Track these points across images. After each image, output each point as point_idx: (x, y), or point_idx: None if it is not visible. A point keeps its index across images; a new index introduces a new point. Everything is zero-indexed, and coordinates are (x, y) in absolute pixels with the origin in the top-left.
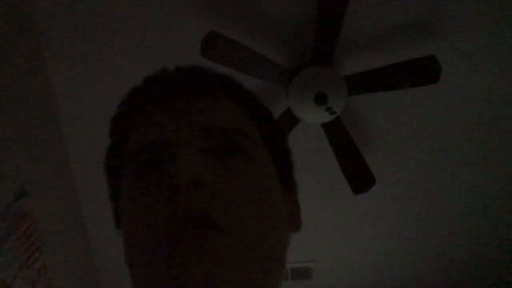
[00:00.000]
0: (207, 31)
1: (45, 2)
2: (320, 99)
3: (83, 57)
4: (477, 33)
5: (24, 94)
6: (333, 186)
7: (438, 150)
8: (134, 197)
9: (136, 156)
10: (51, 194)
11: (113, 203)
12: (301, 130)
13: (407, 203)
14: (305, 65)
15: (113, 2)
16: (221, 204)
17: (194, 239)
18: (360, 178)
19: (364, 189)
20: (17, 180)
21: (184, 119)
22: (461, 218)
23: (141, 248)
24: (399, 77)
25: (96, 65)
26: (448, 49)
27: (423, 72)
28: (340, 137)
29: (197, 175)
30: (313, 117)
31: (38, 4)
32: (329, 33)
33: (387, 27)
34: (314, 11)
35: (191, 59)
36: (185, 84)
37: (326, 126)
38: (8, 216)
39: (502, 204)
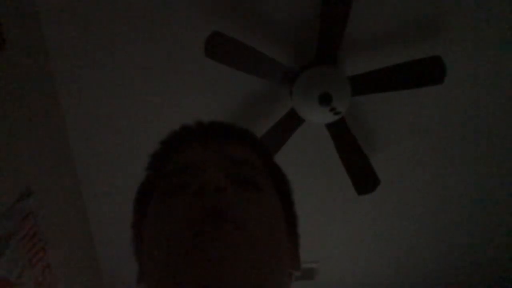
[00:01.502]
0: (211, 31)
1: (48, 2)
2: (325, 100)
3: (86, 57)
4: (481, 33)
5: (28, 94)
6: (337, 187)
7: (442, 150)
8: (165, 208)
9: (170, 176)
10: (55, 194)
11: (134, 231)
12: (305, 130)
13: (411, 203)
14: (309, 65)
15: (116, 3)
16: (239, 208)
17: (215, 230)
18: (364, 179)
19: (369, 190)
20: (21, 180)
21: (210, 151)
22: (466, 219)
23: (166, 242)
24: (404, 78)
25: (100, 65)
26: (453, 49)
27: (428, 72)
28: (344, 138)
29: (221, 183)
30: (317, 117)
31: (42, 2)
32: (334, 33)
33: (392, 27)
34: (318, 11)
35: (195, 60)
36: (214, 132)
37: (330, 127)
38: (12, 215)
39: (505, 204)
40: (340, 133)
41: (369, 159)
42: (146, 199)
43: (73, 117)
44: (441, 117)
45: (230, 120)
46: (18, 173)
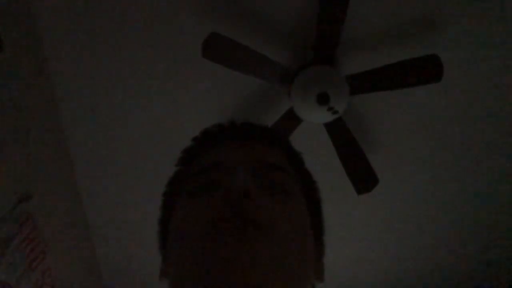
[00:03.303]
0: (208, 32)
1: (46, 2)
2: (322, 99)
3: (85, 59)
4: (479, 31)
5: (26, 97)
6: (336, 186)
7: (441, 149)
8: (192, 205)
9: (200, 173)
10: (54, 197)
11: (160, 227)
12: (304, 130)
13: (410, 203)
14: (307, 65)
15: (115, 5)
16: (265, 213)
17: (239, 231)
18: (363, 178)
19: (367, 189)
20: (21, 183)
21: (241, 152)
22: (466, 218)
23: (190, 241)
24: (401, 76)
25: (98, 67)
26: (450, 48)
27: (425, 71)
28: (342, 137)
29: (247, 188)
30: (315, 117)
31: (39, 4)
32: (331, 33)
33: (389, 26)
34: (315, 11)
35: (193, 61)
36: (246, 132)
37: (328, 126)
38: (11, 219)
39: (505, 203)
40: (338, 132)
41: (368, 158)
42: (174, 195)
43: (71, 120)
44: (439, 115)
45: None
46: (17, 176)
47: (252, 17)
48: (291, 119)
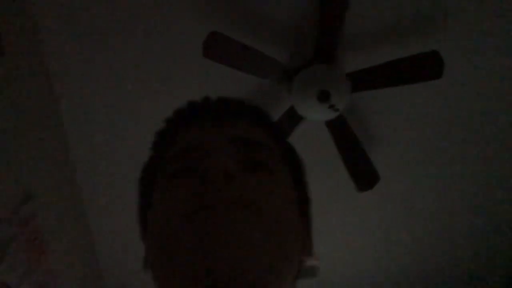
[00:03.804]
0: (209, 31)
1: (46, 3)
2: (323, 97)
3: (86, 60)
4: (480, 28)
5: (27, 99)
6: (337, 184)
7: (443, 146)
8: (170, 189)
9: (176, 157)
10: (55, 198)
11: (140, 213)
12: (305, 128)
13: (412, 200)
14: (308, 63)
15: (114, 3)
16: (248, 193)
17: (222, 211)
18: (364, 175)
19: (369, 186)
20: (21, 185)
21: (220, 131)
22: (467, 216)
23: (171, 234)
24: (402, 73)
25: (99, 67)
26: (451, 44)
27: (426, 67)
28: (343, 134)
29: (228, 168)
30: (316, 115)
31: (39, 5)
32: (332, 31)
33: (389, 23)
34: (316, 8)
35: (193, 60)
36: (222, 109)
37: (329, 124)
38: (12, 220)
39: (508, 201)
40: (340, 130)
41: (369, 155)
42: (150, 181)
43: (72, 120)
44: (441, 112)
45: None
46: (17, 178)
47: (253, 16)
48: (292, 117)
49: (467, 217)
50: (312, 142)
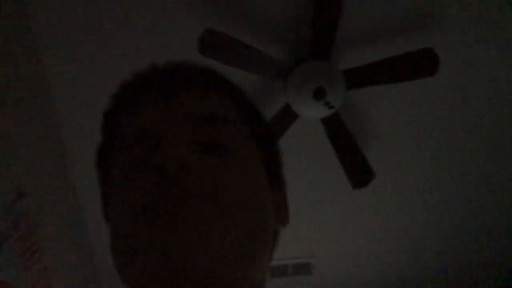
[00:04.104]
0: (204, 28)
1: (41, 2)
2: (319, 94)
3: (81, 57)
4: (476, 25)
5: (22, 95)
6: (332, 181)
7: (437, 143)
8: (123, 185)
9: (124, 147)
10: (50, 195)
11: (102, 198)
12: (300, 125)
13: (406, 197)
14: (303, 60)
15: (111, 1)
16: (207, 184)
17: (175, 206)
18: (359, 173)
19: (363, 184)
20: (16, 181)
21: (171, 109)
22: (461, 213)
23: (125, 226)
24: (397, 70)
25: (94, 64)
26: (446, 42)
27: (421, 65)
28: (339, 132)
29: (182, 158)
30: (311, 112)
31: (34, 5)
32: (327, 28)
33: (385, 20)
34: (312, 6)
35: (189, 57)
36: (174, 78)
37: (325, 121)
38: (7, 217)
39: (505, 199)
40: (335, 127)
41: (364, 152)
42: (106, 161)
43: (67, 117)
44: (436, 109)
45: None
46: (11, 175)
47: (248, 13)
48: (287, 114)
49: (464, 214)
50: (307, 139)
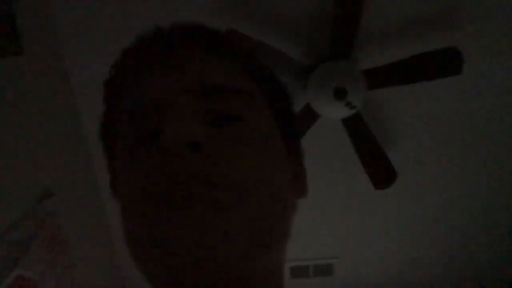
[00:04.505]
0: (223, 29)
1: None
2: (340, 94)
3: (104, 60)
4: (498, 25)
5: (47, 99)
6: (354, 182)
7: (460, 144)
8: (130, 165)
9: (130, 121)
10: (74, 194)
11: (110, 172)
12: (321, 125)
13: (429, 197)
14: (324, 60)
15: (123, 3)
16: (216, 165)
17: (186, 194)
18: (381, 173)
19: (386, 184)
20: (41, 181)
21: (178, 78)
22: (485, 214)
23: (135, 214)
24: (419, 70)
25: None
26: (469, 42)
27: (445, 63)
28: (360, 132)
29: (191, 137)
30: (332, 112)
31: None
32: (348, 27)
33: (406, 19)
34: (332, 4)
35: None
36: (179, 41)
37: (346, 121)
38: (34, 216)
39: None
40: (356, 127)
41: (386, 153)
42: (111, 136)
43: (92, 119)
44: (457, 110)
45: None
46: (37, 175)
47: (268, 12)
48: (308, 115)
49: (487, 216)
50: (328, 139)
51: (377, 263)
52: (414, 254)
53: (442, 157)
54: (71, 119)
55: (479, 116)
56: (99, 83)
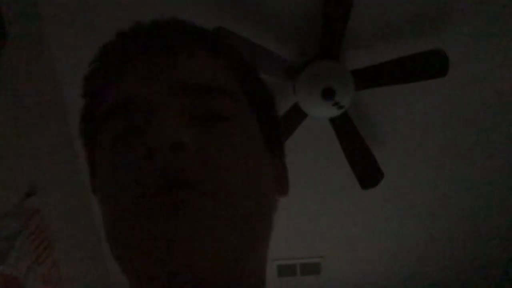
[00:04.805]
0: (213, 27)
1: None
2: (328, 94)
3: (91, 55)
4: (484, 26)
5: (32, 94)
6: (341, 181)
7: (446, 143)
8: (109, 164)
9: (110, 119)
10: (60, 191)
11: (90, 168)
12: (309, 125)
13: (415, 197)
14: (312, 59)
15: (118, 2)
16: (201, 167)
17: (172, 201)
18: (368, 173)
19: (372, 184)
20: (26, 178)
21: (160, 76)
22: (470, 214)
23: (117, 216)
24: (406, 71)
25: None
26: (456, 43)
27: (430, 65)
28: (347, 132)
29: (176, 138)
30: (320, 112)
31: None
32: (336, 28)
33: (394, 20)
34: (321, 6)
35: None
36: (161, 38)
37: (333, 121)
38: (18, 214)
39: (511, 200)
40: (344, 127)
41: (373, 153)
42: (91, 132)
43: (76, 114)
44: (444, 110)
45: None
46: (22, 171)
47: (257, 12)
48: (296, 114)
49: (471, 216)
50: (315, 139)
51: (364, 262)
52: (400, 253)
53: (428, 157)
54: (57, 115)
55: (466, 116)
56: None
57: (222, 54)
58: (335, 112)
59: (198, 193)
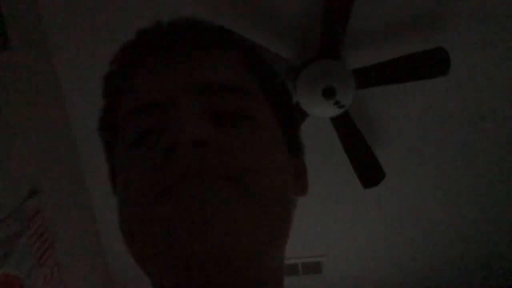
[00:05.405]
0: None
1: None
2: (328, 93)
3: (91, 56)
4: (486, 26)
5: (32, 93)
6: (343, 181)
7: (447, 143)
8: (131, 162)
9: (132, 120)
10: (61, 192)
11: (109, 168)
12: (310, 124)
13: (417, 196)
14: (313, 59)
15: (119, 3)
16: (224, 162)
17: (195, 191)
18: (369, 172)
19: (374, 183)
20: (28, 179)
21: (182, 76)
22: (472, 212)
23: (138, 213)
24: (407, 70)
25: (104, 65)
26: (457, 42)
27: (432, 64)
28: (349, 131)
29: (198, 136)
30: (321, 111)
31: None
32: (337, 26)
33: (395, 19)
34: (321, 5)
35: None
36: (181, 37)
37: (334, 120)
38: (20, 215)
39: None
40: (345, 126)
41: (374, 152)
42: (111, 131)
43: (79, 116)
44: (446, 110)
45: None
46: (24, 172)
47: (257, 11)
48: (297, 114)
49: (472, 215)
50: (317, 138)
51: (365, 261)
52: (402, 252)
53: (430, 156)
54: (59, 116)
55: (467, 115)
56: (87, 80)
57: (242, 53)
58: (336, 111)
59: (219, 184)
